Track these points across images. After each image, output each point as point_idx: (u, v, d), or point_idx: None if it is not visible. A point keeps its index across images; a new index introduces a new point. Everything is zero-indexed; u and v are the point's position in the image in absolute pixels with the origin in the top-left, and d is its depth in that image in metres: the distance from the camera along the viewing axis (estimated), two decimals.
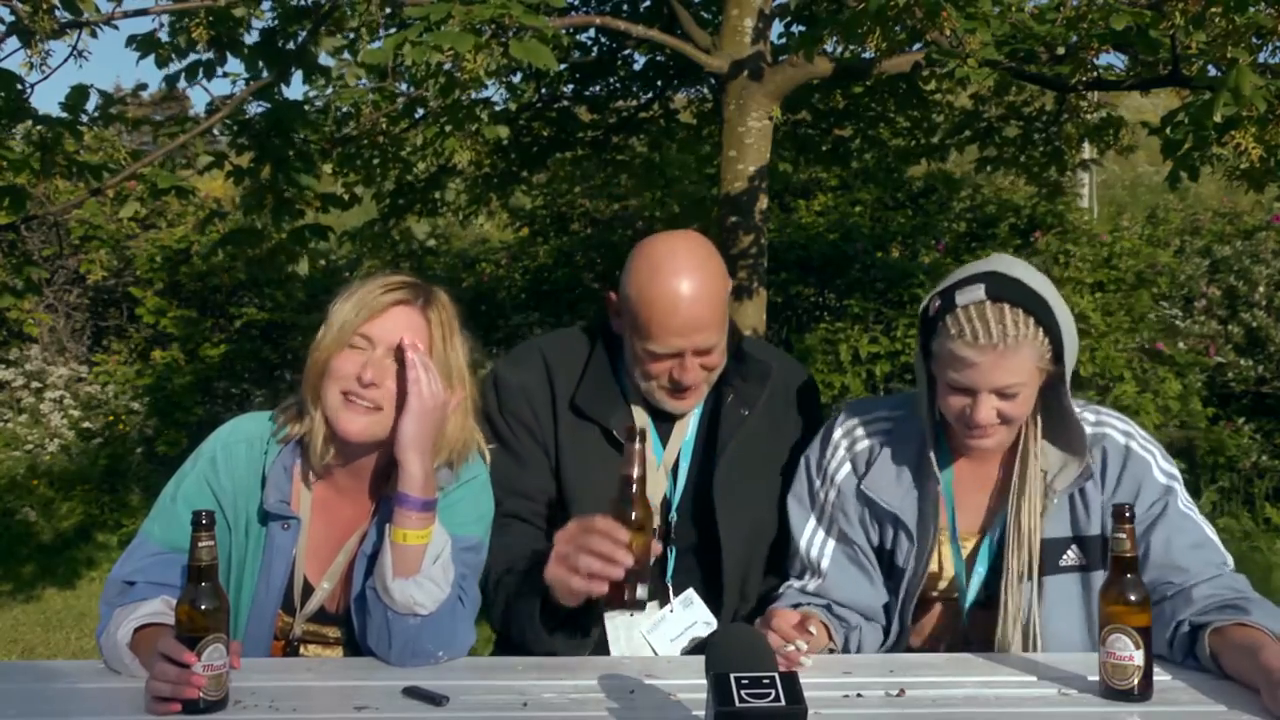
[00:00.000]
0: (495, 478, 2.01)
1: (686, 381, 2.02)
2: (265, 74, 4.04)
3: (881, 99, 6.49)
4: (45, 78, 3.53)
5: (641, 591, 1.79)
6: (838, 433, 2.07)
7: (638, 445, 1.78)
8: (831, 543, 2.04)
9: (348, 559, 1.92)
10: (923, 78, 5.53)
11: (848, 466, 2.04)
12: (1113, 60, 5.96)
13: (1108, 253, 7.19)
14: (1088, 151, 6.12)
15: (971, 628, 2.01)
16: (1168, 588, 1.83)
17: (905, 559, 1.99)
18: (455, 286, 7.91)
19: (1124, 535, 1.64)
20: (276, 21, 4.08)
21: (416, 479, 1.81)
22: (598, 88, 7.02)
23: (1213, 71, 3.45)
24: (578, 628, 1.86)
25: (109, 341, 8.64)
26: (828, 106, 6.69)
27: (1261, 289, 7.08)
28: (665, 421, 2.13)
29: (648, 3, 6.55)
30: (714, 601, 2.09)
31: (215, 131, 4.54)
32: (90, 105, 4.10)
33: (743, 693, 1.38)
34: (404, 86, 4.24)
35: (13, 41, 3.40)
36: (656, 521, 2.09)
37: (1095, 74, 4.27)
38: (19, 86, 3.60)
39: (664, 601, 2.08)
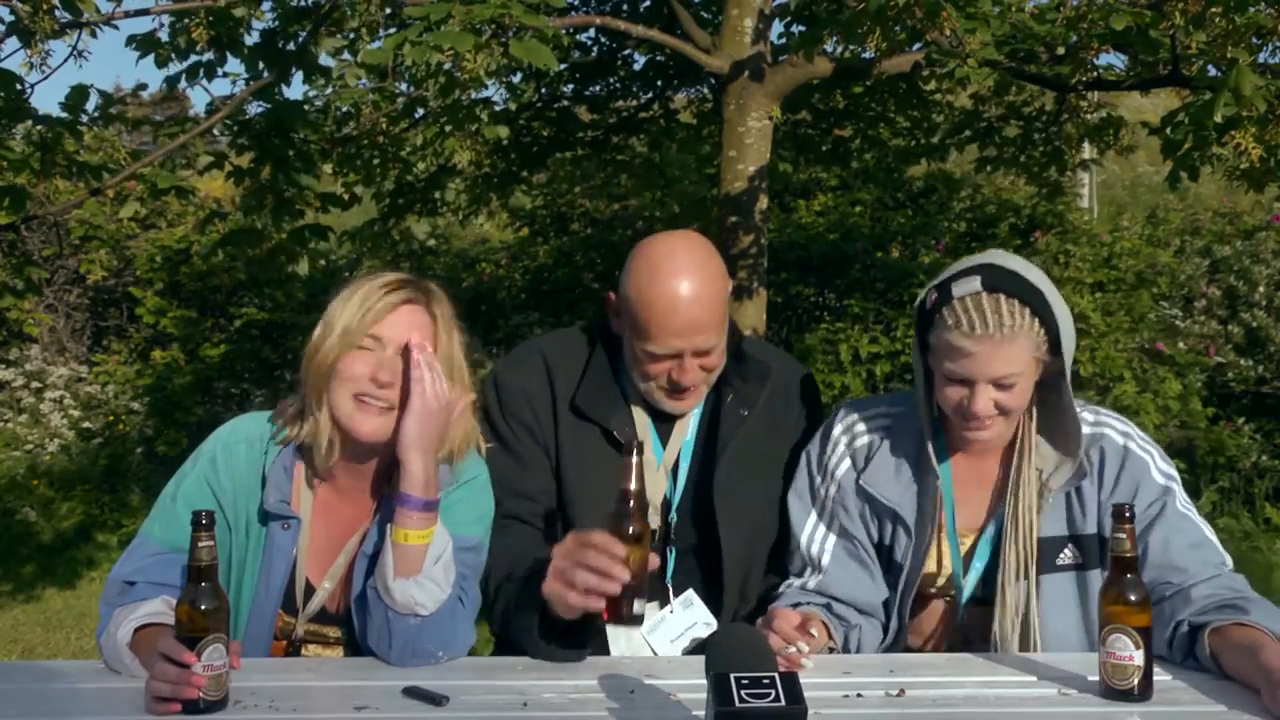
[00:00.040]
0: (495, 479, 2.01)
1: (685, 382, 2.02)
2: (265, 74, 4.04)
3: (881, 99, 6.49)
4: (45, 78, 3.53)
5: (639, 607, 1.78)
6: (838, 429, 2.08)
7: (635, 459, 1.77)
8: (832, 538, 2.04)
9: (348, 559, 1.92)
10: (923, 78, 5.53)
11: (848, 462, 2.05)
12: (1113, 60, 5.97)
13: (1108, 253, 7.18)
14: (1088, 151, 6.12)
15: (969, 624, 2.02)
16: (1166, 588, 1.83)
17: (904, 554, 2.00)
18: (455, 286, 7.91)
19: (1124, 535, 1.64)
20: (277, 22, 4.08)
21: (418, 479, 1.80)
22: (598, 88, 7.01)
23: (1213, 71, 3.45)
24: (575, 641, 1.85)
25: (109, 341, 8.64)
26: (828, 106, 6.69)
27: (1261, 289, 7.08)
28: (665, 422, 2.13)
29: (648, 3, 6.55)
30: (714, 602, 2.09)
31: (215, 132, 4.53)
32: (90, 105, 4.11)
33: (743, 693, 1.38)
34: (404, 86, 4.24)
35: (13, 41, 3.40)
36: (657, 522, 2.09)
37: (1095, 74, 4.27)
38: (19, 86, 3.60)
39: (664, 603, 2.08)
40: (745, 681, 1.39)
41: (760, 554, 2.13)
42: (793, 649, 1.76)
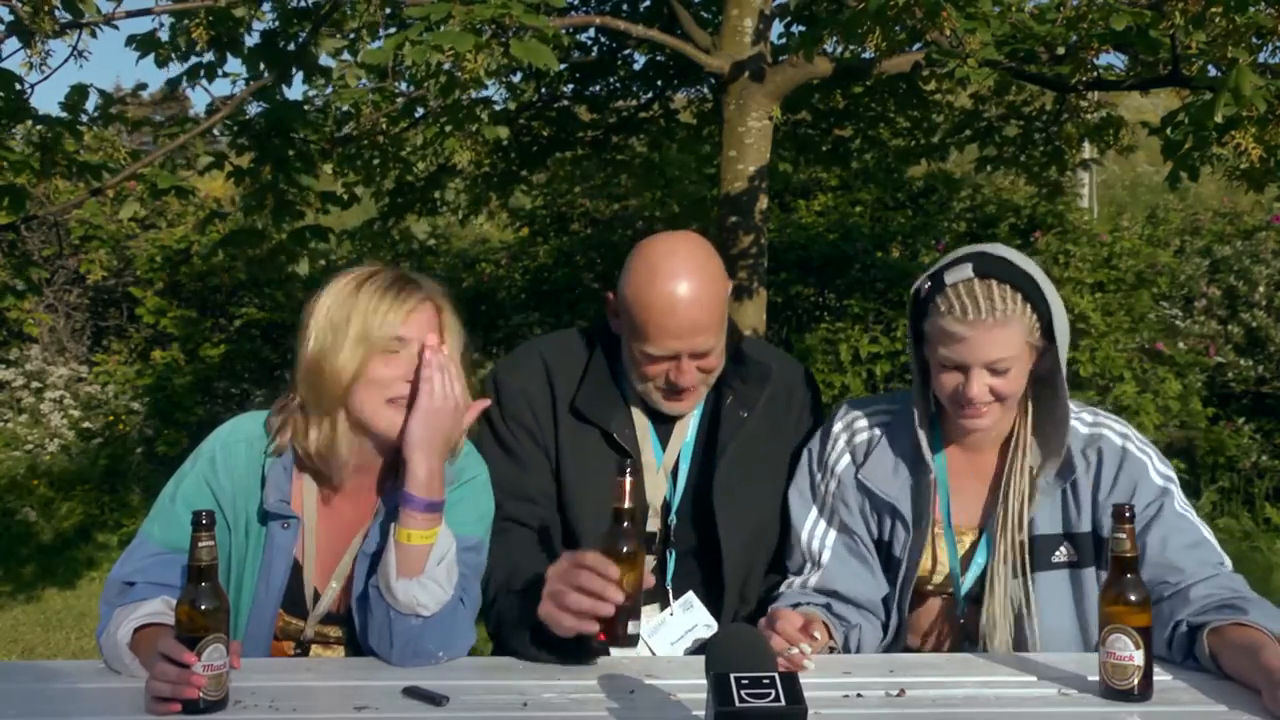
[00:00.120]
0: (496, 481, 2.01)
1: (683, 384, 2.01)
2: (265, 74, 4.04)
3: (881, 99, 6.49)
4: (45, 78, 3.54)
5: (633, 628, 1.76)
6: (838, 426, 2.10)
7: (630, 478, 1.75)
8: (833, 534, 2.05)
9: (353, 559, 1.92)
10: (923, 78, 5.53)
11: (847, 458, 2.07)
12: (1113, 60, 5.98)
13: (1108, 253, 7.18)
14: (1088, 151, 6.12)
15: (968, 622, 2.02)
16: (1165, 588, 1.84)
17: (902, 549, 2.02)
18: (455, 286, 7.91)
19: (1124, 535, 1.64)
20: (277, 22, 4.08)
21: (422, 480, 1.80)
22: (598, 88, 7.01)
23: (1213, 71, 3.46)
24: (573, 659, 1.84)
25: (109, 341, 8.65)
26: (828, 106, 6.69)
27: (1261, 289, 7.09)
28: (665, 424, 2.13)
29: (648, 3, 6.55)
30: (714, 604, 2.09)
31: (215, 132, 4.54)
32: (90, 105, 4.12)
33: (743, 693, 1.38)
34: (404, 86, 4.24)
35: (13, 41, 3.41)
36: (656, 524, 2.09)
37: (1095, 74, 4.26)
38: (19, 86, 3.61)
39: (664, 605, 2.07)
40: (745, 681, 1.39)
41: (760, 556, 2.13)
42: (795, 650, 1.76)
